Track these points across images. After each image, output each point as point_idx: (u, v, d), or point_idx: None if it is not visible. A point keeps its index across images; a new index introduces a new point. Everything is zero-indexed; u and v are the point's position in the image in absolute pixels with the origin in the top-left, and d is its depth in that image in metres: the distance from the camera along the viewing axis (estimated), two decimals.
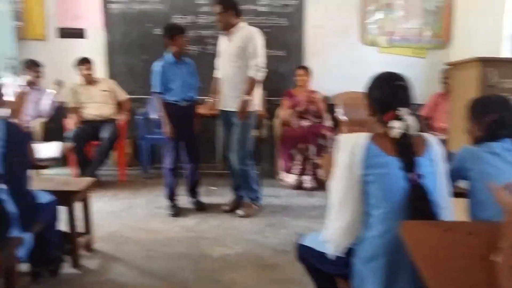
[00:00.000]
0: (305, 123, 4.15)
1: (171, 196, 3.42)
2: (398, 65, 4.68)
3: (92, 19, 4.52)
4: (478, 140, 1.69)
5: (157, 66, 3.24)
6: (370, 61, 4.70)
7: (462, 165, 1.67)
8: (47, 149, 2.20)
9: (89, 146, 4.07)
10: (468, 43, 4.33)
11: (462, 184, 1.73)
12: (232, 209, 3.40)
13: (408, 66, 4.69)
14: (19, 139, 1.95)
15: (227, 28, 3.10)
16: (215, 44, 4.57)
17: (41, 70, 4.08)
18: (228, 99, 3.17)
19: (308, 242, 1.64)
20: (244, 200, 3.42)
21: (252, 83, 3.06)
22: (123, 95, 4.34)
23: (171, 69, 3.24)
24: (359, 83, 4.50)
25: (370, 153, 1.38)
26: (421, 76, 4.74)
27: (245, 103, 3.05)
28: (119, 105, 4.32)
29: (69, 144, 2.51)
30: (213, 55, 4.53)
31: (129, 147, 4.59)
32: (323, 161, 2.01)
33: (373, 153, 1.38)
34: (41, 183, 2.43)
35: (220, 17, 3.06)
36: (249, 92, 3.05)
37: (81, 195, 2.52)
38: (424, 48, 4.70)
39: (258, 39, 3.06)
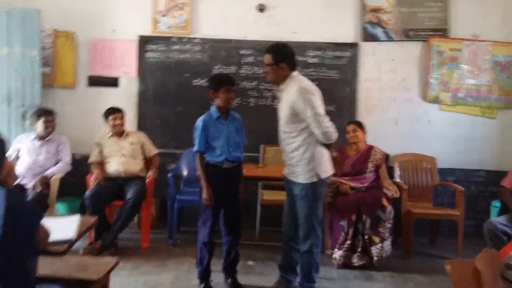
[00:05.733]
0: (358, 187, 3.52)
1: (205, 276, 2.82)
2: (464, 125, 4.16)
3: (126, 68, 4.17)
4: None
5: (200, 121, 2.77)
6: (431, 119, 4.17)
7: None
8: (59, 228, 1.67)
9: (110, 206, 3.57)
10: None
11: None
12: None
13: (475, 127, 4.16)
14: (24, 216, 1.43)
15: (276, 82, 2.64)
16: (257, 97, 4.22)
17: (54, 119, 3.69)
18: (289, 168, 2.69)
19: None
20: (294, 285, 2.79)
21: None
22: (153, 150, 3.88)
23: (215, 126, 2.75)
24: (419, 143, 4.11)
25: None
26: (491, 138, 4.17)
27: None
28: (148, 161, 3.85)
29: (91, 219, 1.96)
30: (254, 109, 4.17)
31: (154, 207, 4.05)
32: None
33: None
34: (47, 265, 1.88)
35: (269, 69, 2.59)
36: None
37: (101, 283, 1.94)
38: (493, 108, 4.14)
39: (304, 98, 2.48)
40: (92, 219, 1.94)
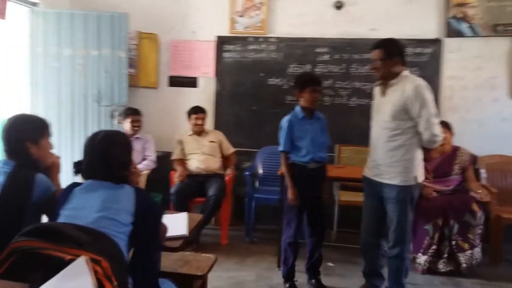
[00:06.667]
0: (443, 190, 3.37)
1: (290, 276, 2.85)
2: None
3: (204, 68, 4.30)
4: None
5: (285, 121, 2.79)
6: None
7: None
8: (170, 224, 1.75)
9: (191, 203, 3.70)
10: None
11: None
12: None
13: None
14: (151, 213, 1.52)
15: (386, 78, 2.51)
16: (332, 96, 4.17)
17: (141, 119, 3.89)
18: (379, 168, 2.55)
19: None
20: None
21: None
22: (230, 148, 3.98)
23: (301, 125, 2.76)
24: (507, 144, 3.86)
25: None
26: None
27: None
28: (225, 159, 3.96)
29: (197, 217, 2.05)
30: (329, 108, 4.12)
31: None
32: None
33: None
34: None
35: (380, 64, 2.46)
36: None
37: (203, 278, 2.03)
38: None
39: (424, 97, 2.39)
40: (198, 217, 2.02)
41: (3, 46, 3.74)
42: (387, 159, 2.49)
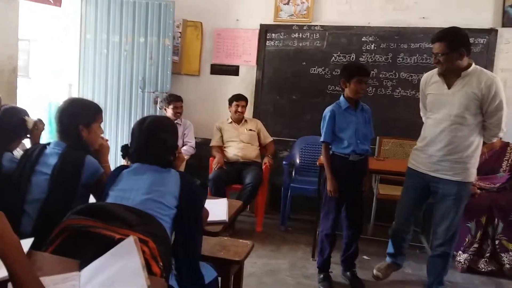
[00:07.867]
0: (488, 188, 3.24)
1: (325, 267, 2.84)
2: None
3: (247, 57, 4.31)
4: None
5: (328, 111, 2.75)
6: None
7: None
8: (211, 209, 1.79)
9: (229, 189, 3.75)
10: None
11: None
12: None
13: None
14: (195, 197, 1.56)
15: (451, 71, 2.38)
16: (376, 86, 4.06)
17: (182, 105, 3.96)
18: (440, 164, 2.45)
19: None
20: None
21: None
22: (268, 137, 4.00)
23: (344, 116, 2.71)
24: None
25: None
26: None
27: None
28: (262, 148, 3.99)
29: (237, 203, 2.09)
30: (373, 98, 4.01)
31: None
32: None
33: None
34: None
35: (443, 58, 2.32)
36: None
37: (240, 263, 2.07)
38: None
39: (502, 93, 2.31)
40: (238, 203, 2.06)
41: (57, 32, 3.91)
42: (453, 155, 2.40)
